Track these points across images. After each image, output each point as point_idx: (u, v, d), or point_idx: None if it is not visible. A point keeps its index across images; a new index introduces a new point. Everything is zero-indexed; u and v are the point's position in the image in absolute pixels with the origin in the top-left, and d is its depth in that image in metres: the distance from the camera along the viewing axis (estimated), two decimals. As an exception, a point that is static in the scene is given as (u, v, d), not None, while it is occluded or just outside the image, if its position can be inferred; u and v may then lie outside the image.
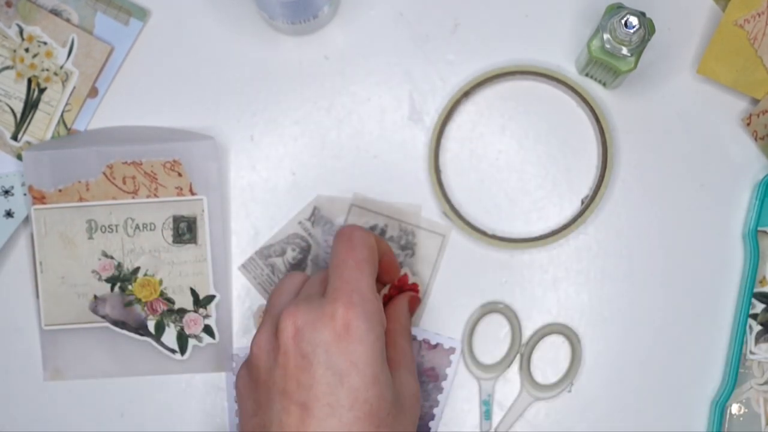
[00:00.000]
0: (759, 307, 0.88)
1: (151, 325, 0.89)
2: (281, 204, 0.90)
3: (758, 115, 0.88)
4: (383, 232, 0.89)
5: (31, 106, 0.90)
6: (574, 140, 0.90)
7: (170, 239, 0.89)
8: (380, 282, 0.86)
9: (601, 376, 0.89)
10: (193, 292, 0.89)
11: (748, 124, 0.89)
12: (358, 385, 0.73)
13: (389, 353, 0.79)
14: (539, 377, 0.90)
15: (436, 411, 0.89)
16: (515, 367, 0.90)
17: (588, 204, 0.89)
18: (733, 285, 0.89)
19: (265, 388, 0.75)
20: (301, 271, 0.83)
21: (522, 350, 0.90)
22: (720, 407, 0.88)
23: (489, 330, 0.90)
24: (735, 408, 0.88)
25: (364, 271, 0.77)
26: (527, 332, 0.90)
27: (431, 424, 0.89)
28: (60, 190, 0.89)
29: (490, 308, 0.89)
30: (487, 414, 0.89)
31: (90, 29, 0.90)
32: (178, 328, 0.89)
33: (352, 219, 0.89)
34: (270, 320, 0.77)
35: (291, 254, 0.89)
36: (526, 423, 0.90)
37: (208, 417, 0.90)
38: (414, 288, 0.89)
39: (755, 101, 0.89)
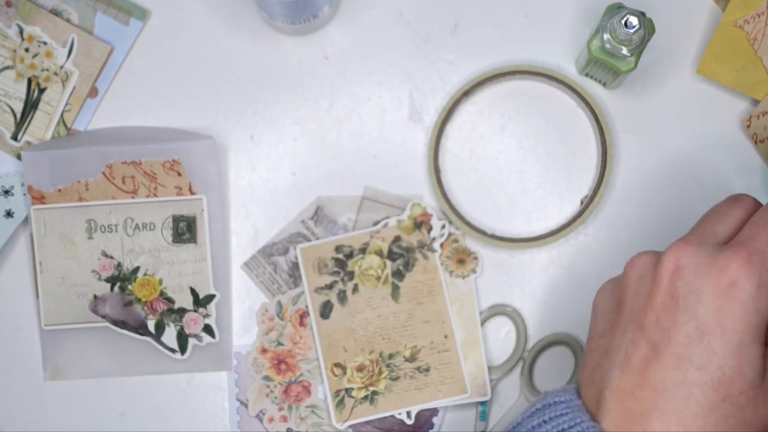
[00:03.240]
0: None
1: (151, 325, 0.89)
2: (281, 204, 0.90)
3: (758, 117, 0.88)
4: (396, 224, 0.89)
5: (31, 106, 0.90)
6: (574, 140, 0.90)
7: (170, 239, 0.89)
8: None
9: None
10: (193, 292, 0.89)
11: (748, 126, 0.89)
12: (717, 348, 0.67)
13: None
14: (540, 385, 0.90)
15: (435, 420, 0.89)
16: (517, 371, 0.90)
17: (588, 204, 0.89)
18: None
19: (624, 311, 0.71)
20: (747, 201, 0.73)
21: (525, 356, 0.89)
22: None
23: (492, 331, 0.90)
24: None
25: None
26: (531, 336, 0.90)
27: None
28: (59, 190, 0.89)
29: (497, 310, 0.89)
30: (482, 415, 0.89)
31: (90, 29, 0.90)
32: (178, 327, 0.89)
33: (364, 212, 0.89)
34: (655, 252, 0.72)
35: (294, 253, 0.89)
36: (525, 423, 0.90)
37: (208, 417, 0.90)
38: None
39: (755, 102, 0.89)
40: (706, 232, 0.71)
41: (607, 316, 0.72)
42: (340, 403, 0.88)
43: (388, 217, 0.89)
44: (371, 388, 0.89)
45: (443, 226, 0.89)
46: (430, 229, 0.89)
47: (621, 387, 0.69)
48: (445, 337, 0.88)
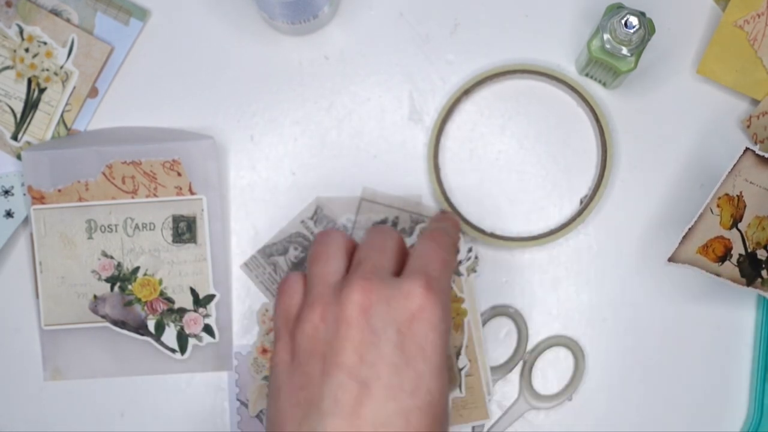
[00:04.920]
0: None
1: (151, 325, 0.89)
2: (281, 204, 0.90)
3: (758, 117, 0.88)
4: (395, 224, 0.89)
5: (31, 106, 0.90)
6: (574, 140, 0.90)
7: (170, 239, 0.89)
8: None
9: (600, 378, 0.89)
10: (193, 292, 0.89)
11: (748, 126, 0.89)
12: (423, 372, 0.69)
13: (407, 263, 0.76)
14: (539, 387, 0.89)
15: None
16: (517, 371, 0.90)
17: (587, 203, 0.89)
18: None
19: (320, 359, 0.71)
20: (341, 231, 0.78)
21: (526, 357, 0.89)
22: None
23: (492, 331, 0.90)
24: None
25: (447, 268, 0.75)
26: (532, 337, 0.90)
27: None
28: (59, 190, 0.89)
29: (499, 311, 0.89)
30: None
31: (90, 29, 0.90)
32: (178, 327, 0.89)
33: (363, 213, 0.89)
34: (321, 288, 0.73)
35: (293, 253, 0.89)
36: (525, 422, 0.90)
37: (208, 417, 0.90)
38: None
39: (755, 102, 0.89)
40: (376, 267, 0.74)
41: (300, 369, 0.72)
42: None
43: (386, 219, 0.89)
44: None
45: (470, 249, 0.88)
46: (456, 253, 0.88)
47: None
48: (470, 361, 0.88)
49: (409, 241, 0.89)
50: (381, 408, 0.68)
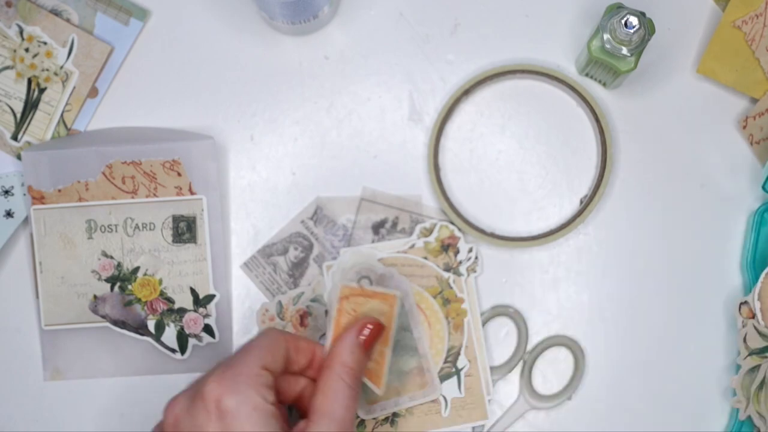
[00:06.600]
0: None
1: (151, 325, 0.89)
2: (281, 204, 0.90)
3: (754, 118, 0.88)
4: (395, 224, 0.89)
5: (31, 106, 0.90)
6: (574, 140, 0.90)
7: (170, 239, 0.89)
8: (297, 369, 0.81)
9: (601, 377, 0.89)
10: (193, 292, 0.89)
11: (744, 127, 0.89)
12: None
13: (315, 401, 0.76)
14: (539, 386, 0.89)
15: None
16: (517, 371, 0.90)
17: (587, 203, 0.89)
18: (735, 285, 0.89)
19: None
20: None
21: (525, 357, 0.89)
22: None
23: (492, 331, 0.90)
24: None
25: (250, 352, 0.75)
26: (532, 337, 0.90)
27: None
28: (59, 190, 0.89)
29: (499, 311, 0.89)
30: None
31: (90, 29, 0.90)
32: (178, 327, 0.89)
33: (363, 213, 0.89)
34: None
35: (293, 253, 0.89)
36: (524, 423, 0.90)
37: (208, 417, 0.90)
38: None
39: (755, 101, 0.89)
40: (195, 381, 0.76)
41: None
42: (360, 424, 0.88)
43: (386, 219, 0.89)
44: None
45: (470, 250, 0.88)
46: (457, 252, 0.88)
47: None
48: (470, 361, 0.88)
49: (409, 240, 0.89)
50: None
